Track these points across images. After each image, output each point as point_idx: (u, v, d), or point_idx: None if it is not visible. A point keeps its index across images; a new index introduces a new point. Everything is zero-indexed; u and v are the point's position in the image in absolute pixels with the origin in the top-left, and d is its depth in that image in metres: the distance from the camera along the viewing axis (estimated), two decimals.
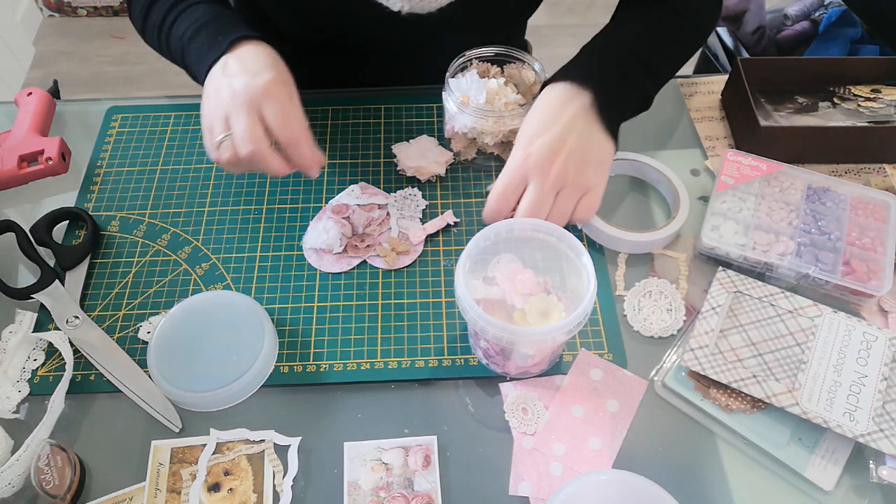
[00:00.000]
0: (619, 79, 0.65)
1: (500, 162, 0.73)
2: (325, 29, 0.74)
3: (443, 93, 0.69)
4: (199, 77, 0.64)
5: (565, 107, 0.61)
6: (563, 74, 0.64)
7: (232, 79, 0.60)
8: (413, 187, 0.72)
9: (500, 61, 0.73)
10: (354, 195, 0.71)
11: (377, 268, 0.67)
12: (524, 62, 0.72)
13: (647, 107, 0.69)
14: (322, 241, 0.67)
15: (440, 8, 0.70)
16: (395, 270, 0.67)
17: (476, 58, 0.72)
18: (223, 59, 0.62)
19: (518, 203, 0.61)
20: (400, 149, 0.75)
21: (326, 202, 0.71)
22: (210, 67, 0.62)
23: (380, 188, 0.73)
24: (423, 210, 0.71)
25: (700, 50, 1.35)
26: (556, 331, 0.52)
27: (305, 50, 0.78)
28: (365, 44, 0.77)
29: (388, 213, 0.70)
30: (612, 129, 0.64)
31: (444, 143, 0.75)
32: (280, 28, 0.77)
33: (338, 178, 0.74)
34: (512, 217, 0.60)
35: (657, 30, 0.69)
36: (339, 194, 0.72)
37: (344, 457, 0.56)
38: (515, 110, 0.67)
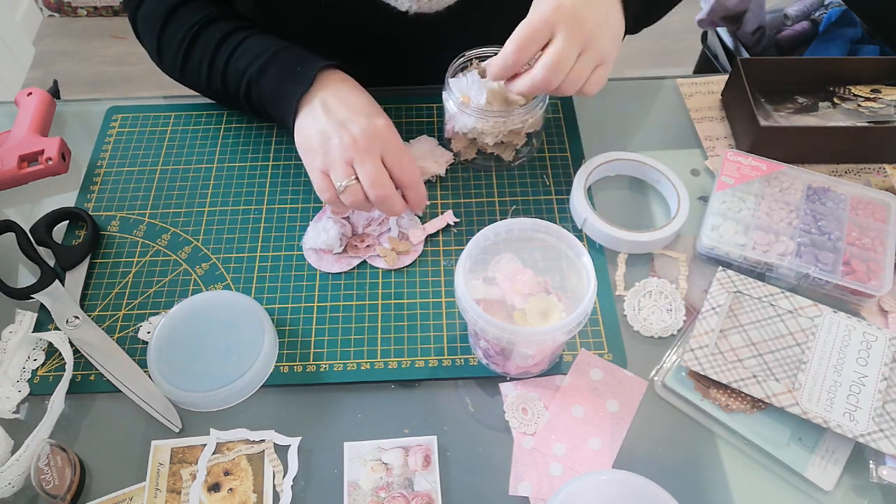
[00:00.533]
0: None
1: (500, 162, 0.73)
2: (332, 30, 0.74)
3: (443, 93, 0.69)
4: (279, 110, 0.66)
5: None
6: None
7: (347, 123, 0.61)
8: None
9: None
10: None
11: (377, 268, 0.67)
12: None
13: (639, 28, 0.69)
14: (322, 241, 0.67)
15: (448, 7, 0.70)
16: (395, 270, 0.67)
17: (476, 58, 0.72)
18: (318, 96, 0.63)
19: (535, 58, 0.59)
20: None
21: None
22: (298, 103, 0.63)
23: None
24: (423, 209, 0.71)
25: (700, 50, 1.34)
26: (556, 331, 0.52)
27: (310, 50, 0.78)
28: (370, 44, 0.77)
29: None
30: (627, 17, 0.64)
31: (444, 143, 0.75)
32: (285, 30, 0.77)
33: None
34: (526, 69, 0.59)
35: None
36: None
37: (344, 457, 0.56)
38: (515, 110, 0.67)
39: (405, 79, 0.81)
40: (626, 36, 0.68)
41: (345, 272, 0.66)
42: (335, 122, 0.62)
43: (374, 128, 0.61)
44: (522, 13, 0.79)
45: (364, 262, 0.67)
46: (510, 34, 0.76)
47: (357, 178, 0.61)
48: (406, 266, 0.67)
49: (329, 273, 0.66)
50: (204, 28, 0.70)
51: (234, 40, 0.69)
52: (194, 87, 0.76)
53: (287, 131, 0.67)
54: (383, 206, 0.62)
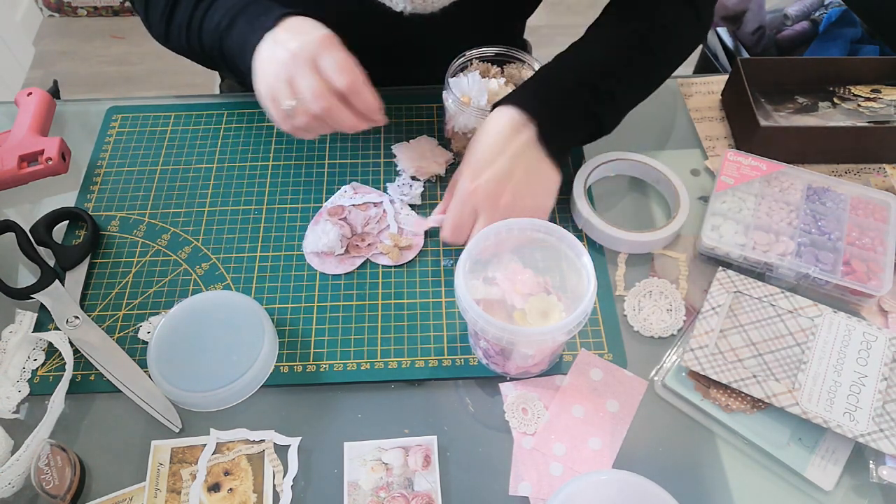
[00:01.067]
0: (565, 109, 0.65)
1: None
2: (328, 28, 0.74)
3: (443, 92, 0.69)
4: (245, 59, 0.64)
5: (511, 138, 0.62)
6: (512, 98, 0.64)
7: (285, 44, 0.60)
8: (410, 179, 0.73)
9: (499, 61, 0.73)
10: (348, 196, 0.71)
11: (377, 266, 0.67)
12: (524, 62, 0.72)
13: (607, 132, 0.68)
14: (323, 243, 0.67)
15: (443, 8, 0.70)
16: (395, 270, 0.67)
17: (476, 58, 0.72)
18: (272, 36, 0.62)
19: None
20: (400, 149, 0.75)
21: (326, 201, 0.71)
22: (256, 46, 0.62)
23: (379, 187, 0.73)
24: (422, 198, 0.72)
25: (700, 50, 1.34)
26: (556, 331, 0.52)
27: None
28: (366, 44, 0.77)
29: (384, 211, 0.70)
30: (558, 159, 0.64)
31: (444, 143, 0.75)
32: None
33: (338, 177, 0.74)
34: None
35: (617, 57, 0.68)
36: (333, 196, 0.71)
37: (344, 457, 0.56)
38: None
39: (400, 79, 0.81)
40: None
41: (345, 272, 0.66)
42: (278, 48, 0.60)
43: (310, 40, 0.59)
44: (515, 13, 0.79)
45: (366, 261, 0.67)
46: (503, 35, 0.76)
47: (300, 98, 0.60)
48: (409, 261, 0.67)
49: (330, 274, 0.66)
50: None
51: (206, 1, 0.68)
52: (180, 52, 0.75)
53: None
54: (329, 121, 0.60)
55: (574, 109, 0.65)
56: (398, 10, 0.69)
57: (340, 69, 0.59)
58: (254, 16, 0.65)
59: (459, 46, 0.71)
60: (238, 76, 0.69)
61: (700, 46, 1.34)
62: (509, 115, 0.62)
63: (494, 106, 0.64)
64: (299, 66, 0.59)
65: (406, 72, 0.81)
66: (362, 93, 0.60)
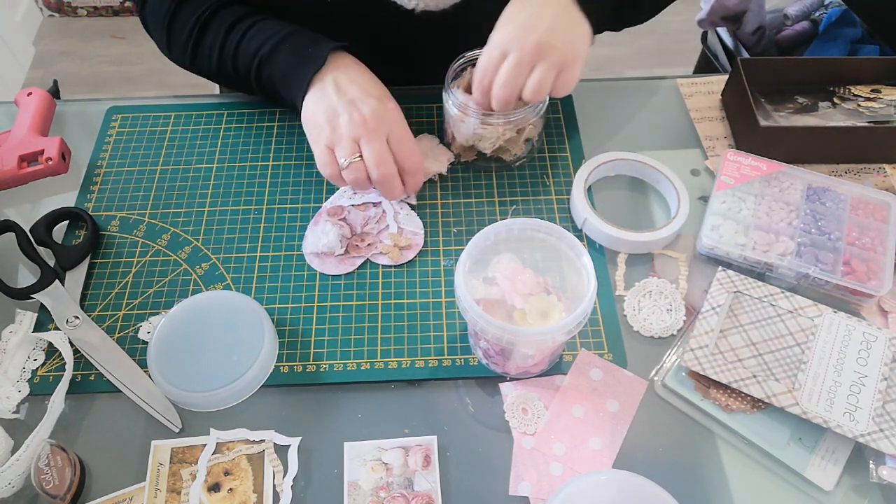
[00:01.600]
0: None
1: (501, 162, 0.73)
2: (336, 27, 0.74)
3: (443, 94, 0.69)
4: (289, 91, 0.67)
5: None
6: None
7: (357, 102, 0.63)
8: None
9: None
10: (347, 196, 0.71)
11: (377, 266, 0.67)
12: None
13: (619, 25, 0.71)
14: (323, 244, 0.67)
15: (454, 4, 0.70)
16: (395, 270, 0.67)
17: (476, 59, 0.71)
18: (330, 75, 0.65)
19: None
20: None
21: (326, 201, 0.71)
22: (310, 82, 0.65)
23: None
24: (423, 198, 0.72)
25: (700, 50, 1.34)
26: (556, 331, 0.52)
27: None
28: (375, 42, 0.77)
29: (383, 211, 0.70)
30: (588, 13, 0.65)
31: (446, 142, 0.75)
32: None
33: None
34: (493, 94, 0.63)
35: None
36: (332, 196, 0.71)
37: (344, 457, 0.56)
38: (514, 114, 0.67)
39: (409, 77, 0.81)
40: (609, 32, 0.69)
41: (345, 273, 0.66)
42: (345, 101, 0.63)
43: (383, 109, 0.63)
44: None
45: (365, 261, 0.67)
46: None
47: (361, 156, 0.63)
48: (409, 261, 0.67)
49: (339, 275, 0.66)
50: (213, 15, 0.71)
51: (244, 25, 0.70)
52: (203, 74, 0.76)
53: (294, 112, 0.69)
54: (383, 186, 0.64)
55: None
56: (409, 7, 0.69)
57: (411, 150, 0.64)
58: (299, 47, 0.67)
59: (468, 44, 0.71)
60: (274, 102, 0.72)
61: (700, 46, 1.34)
62: None
63: None
64: (371, 132, 0.62)
65: (411, 70, 0.80)
66: (419, 175, 0.66)
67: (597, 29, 0.66)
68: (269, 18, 0.71)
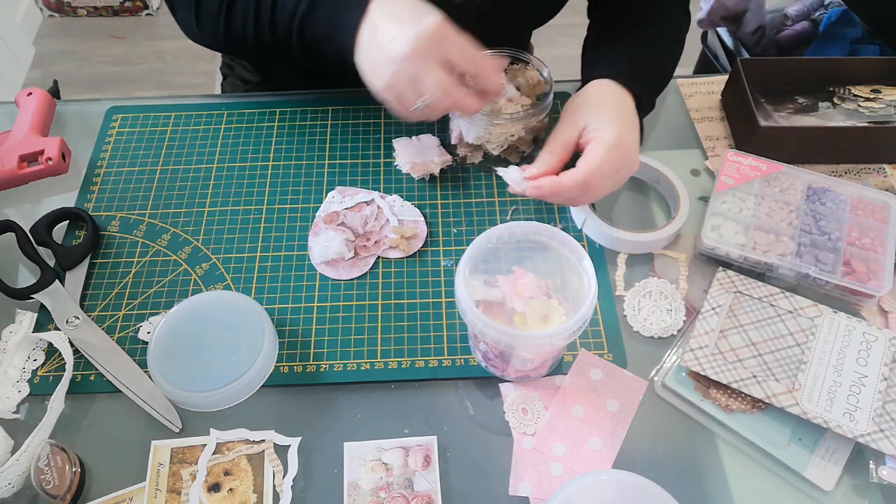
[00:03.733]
0: (644, 87, 0.68)
1: (507, 164, 0.73)
2: None
3: None
4: (335, 46, 0.62)
5: (626, 107, 0.64)
6: (607, 73, 0.66)
7: (396, 40, 0.58)
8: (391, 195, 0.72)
9: None
10: (337, 201, 0.71)
11: (377, 266, 0.67)
12: (528, 63, 0.72)
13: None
14: (332, 251, 0.67)
15: None
16: (395, 270, 0.67)
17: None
18: (369, 23, 0.59)
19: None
20: (400, 143, 0.75)
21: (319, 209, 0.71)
22: (354, 35, 0.60)
23: (379, 188, 0.73)
24: (419, 188, 0.72)
25: (700, 50, 1.34)
26: (556, 335, 0.52)
27: None
28: None
29: (378, 207, 0.70)
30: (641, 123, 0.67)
31: (445, 143, 0.75)
32: None
33: (337, 177, 0.74)
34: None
35: (656, 47, 0.72)
36: (322, 204, 0.71)
37: (344, 457, 0.56)
38: (519, 114, 0.67)
39: None
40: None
41: (359, 275, 0.66)
42: (390, 46, 0.58)
43: (424, 31, 0.57)
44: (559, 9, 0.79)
45: (377, 260, 0.67)
46: (547, 29, 0.76)
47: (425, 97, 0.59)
48: (409, 260, 0.67)
49: (351, 280, 0.66)
50: None
51: None
52: (237, 47, 0.73)
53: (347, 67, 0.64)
54: (458, 108, 0.61)
55: (652, 87, 0.69)
56: None
57: (468, 58, 0.59)
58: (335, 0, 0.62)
59: (506, 37, 0.71)
60: (320, 65, 0.67)
61: (700, 46, 1.34)
62: (615, 86, 0.65)
63: (585, 80, 0.67)
64: (420, 63, 0.57)
65: None
66: (489, 75, 0.61)
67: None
68: None
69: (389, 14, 0.59)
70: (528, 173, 0.63)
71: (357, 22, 0.59)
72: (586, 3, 0.79)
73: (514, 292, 0.56)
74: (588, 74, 0.68)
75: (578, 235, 0.69)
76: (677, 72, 0.75)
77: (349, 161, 0.75)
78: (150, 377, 0.59)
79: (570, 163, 0.63)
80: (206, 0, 0.69)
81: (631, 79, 0.65)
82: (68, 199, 0.73)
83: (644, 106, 0.67)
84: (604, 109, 0.63)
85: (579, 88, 0.68)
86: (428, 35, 0.57)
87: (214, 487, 0.55)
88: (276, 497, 0.54)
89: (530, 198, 0.63)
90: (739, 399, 0.58)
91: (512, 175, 0.65)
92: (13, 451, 0.55)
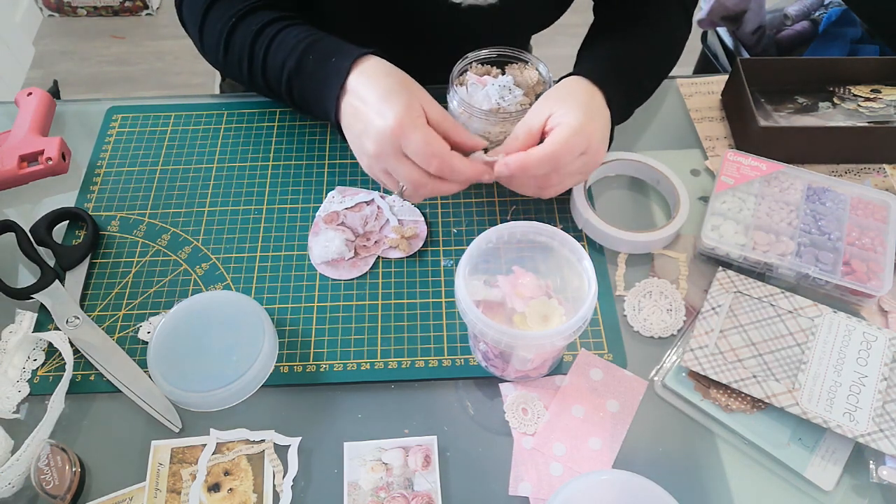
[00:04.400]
0: (623, 90, 0.67)
1: None
2: (379, 21, 0.73)
3: (448, 92, 0.69)
4: (321, 110, 0.64)
5: (595, 102, 0.63)
6: (582, 71, 0.65)
7: (365, 135, 0.59)
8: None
9: (500, 62, 0.73)
10: (337, 201, 0.71)
11: (377, 266, 0.67)
12: (527, 62, 0.72)
13: (618, 123, 0.70)
14: (333, 251, 0.67)
15: None
16: (395, 270, 0.67)
17: (475, 60, 0.71)
18: (348, 101, 0.60)
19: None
20: None
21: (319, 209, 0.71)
22: (338, 100, 0.61)
23: (379, 188, 0.73)
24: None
25: (700, 50, 1.34)
26: (556, 335, 0.52)
27: (352, 40, 0.77)
28: (416, 36, 0.75)
29: (378, 207, 0.70)
30: (613, 126, 0.66)
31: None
32: (331, 19, 0.75)
33: (337, 177, 0.74)
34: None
35: (646, 52, 0.71)
36: (322, 204, 0.71)
37: (344, 457, 0.56)
38: (520, 113, 0.67)
39: (445, 72, 0.80)
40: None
41: (359, 274, 0.66)
42: (358, 135, 0.60)
43: (384, 132, 0.57)
44: (563, 11, 0.79)
45: (377, 260, 0.67)
46: (547, 28, 0.74)
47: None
48: (410, 259, 0.67)
49: (351, 280, 0.66)
50: (241, 20, 0.67)
51: (269, 33, 0.66)
52: (240, 83, 0.74)
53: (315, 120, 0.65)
54: (437, 193, 0.60)
55: (622, 91, 0.67)
56: (457, 1, 0.69)
57: (425, 156, 0.57)
58: (322, 58, 0.62)
59: (507, 39, 0.70)
60: (312, 118, 0.68)
61: (700, 46, 1.34)
62: (585, 83, 0.64)
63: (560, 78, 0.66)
64: (388, 160, 0.58)
65: (448, 65, 0.79)
66: (455, 170, 0.58)
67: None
68: (293, 25, 0.66)
69: (362, 98, 0.60)
70: (490, 157, 0.62)
71: (338, 92, 0.61)
72: (588, 2, 0.79)
73: (514, 292, 0.56)
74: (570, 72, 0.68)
75: (578, 235, 0.69)
76: (677, 72, 0.75)
77: (349, 161, 0.75)
78: (150, 377, 0.59)
79: None
80: (208, 29, 0.70)
81: (604, 79, 0.64)
82: (68, 199, 0.73)
83: (613, 105, 0.64)
84: (570, 99, 0.62)
85: None
86: (386, 136, 0.57)
87: (214, 487, 0.55)
88: (276, 497, 0.54)
89: (496, 178, 0.61)
90: (739, 399, 0.58)
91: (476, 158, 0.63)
92: (13, 451, 0.55)
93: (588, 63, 0.67)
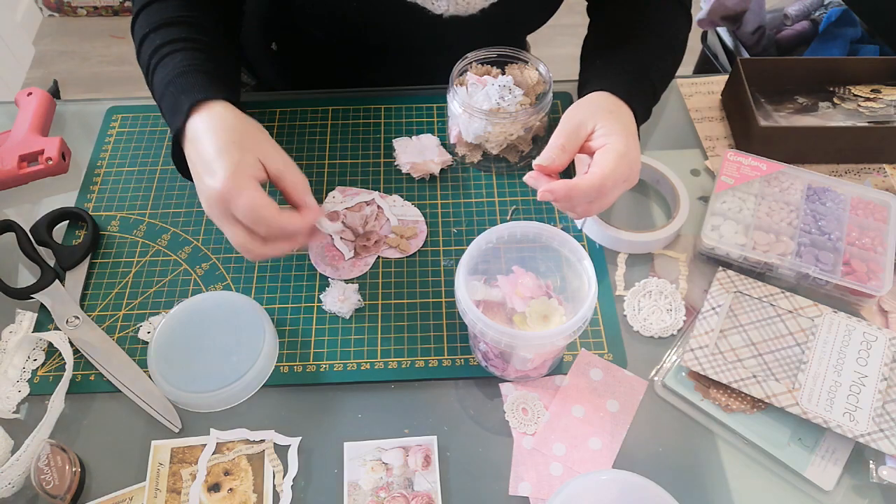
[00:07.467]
0: (642, 98, 0.66)
1: (506, 163, 0.73)
2: (361, 30, 0.73)
3: (448, 93, 0.69)
4: (176, 136, 0.60)
5: (629, 120, 0.62)
6: (607, 86, 0.64)
7: (199, 189, 0.56)
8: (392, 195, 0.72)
9: (500, 62, 0.73)
10: (337, 201, 0.71)
11: (377, 266, 0.67)
12: (527, 62, 0.72)
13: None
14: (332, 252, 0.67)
15: (482, 9, 0.70)
16: (395, 270, 0.67)
17: (475, 61, 0.71)
18: (188, 144, 0.57)
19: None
20: (400, 143, 0.75)
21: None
22: (182, 134, 0.58)
23: (379, 188, 0.73)
24: (418, 189, 0.72)
25: (700, 50, 1.34)
26: (556, 335, 0.52)
27: (326, 51, 0.77)
28: (399, 45, 0.75)
29: (378, 207, 0.70)
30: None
31: (445, 144, 0.75)
32: (312, 36, 0.75)
33: (337, 178, 0.74)
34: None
35: (655, 57, 0.70)
36: (322, 204, 0.71)
37: (344, 457, 0.56)
38: (518, 113, 0.67)
39: (423, 79, 0.80)
40: None
41: (359, 274, 0.66)
42: (196, 185, 0.56)
43: (209, 200, 0.54)
44: (549, 10, 0.79)
45: (377, 258, 0.67)
46: (517, 38, 0.75)
47: None
48: (410, 258, 0.67)
49: (350, 280, 0.66)
50: (148, 36, 0.64)
51: (164, 52, 0.63)
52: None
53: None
54: (276, 255, 0.57)
55: (647, 99, 0.66)
56: (439, 12, 0.69)
57: (252, 221, 0.53)
58: (176, 95, 0.59)
59: (496, 43, 0.70)
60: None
61: (700, 46, 1.34)
62: (617, 100, 0.62)
63: (585, 89, 0.65)
64: (219, 221, 0.55)
65: (433, 72, 0.78)
66: (285, 229, 0.55)
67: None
68: (180, 50, 0.62)
69: (198, 151, 0.56)
70: (537, 162, 0.60)
71: (182, 127, 0.57)
72: (584, 2, 0.79)
73: (514, 292, 0.56)
74: (589, 84, 0.66)
75: (578, 235, 0.69)
76: (677, 71, 0.75)
77: (349, 161, 0.75)
78: (150, 377, 0.59)
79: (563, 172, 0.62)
80: (135, 34, 0.66)
81: (629, 94, 0.63)
82: (68, 199, 0.73)
83: (639, 119, 0.65)
84: (612, 118, 0.61)
85: (580, 96, 0.67)
86: (213, 198, 0.54)
87: (214, 487, 0.55)
88: (276, 497, 0.54)
89: (541, 200, 0.59)
90: (739, 399, 0.58)
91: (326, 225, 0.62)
92: (13, 451, 0.55)
93: (610, 78, 0.66)
